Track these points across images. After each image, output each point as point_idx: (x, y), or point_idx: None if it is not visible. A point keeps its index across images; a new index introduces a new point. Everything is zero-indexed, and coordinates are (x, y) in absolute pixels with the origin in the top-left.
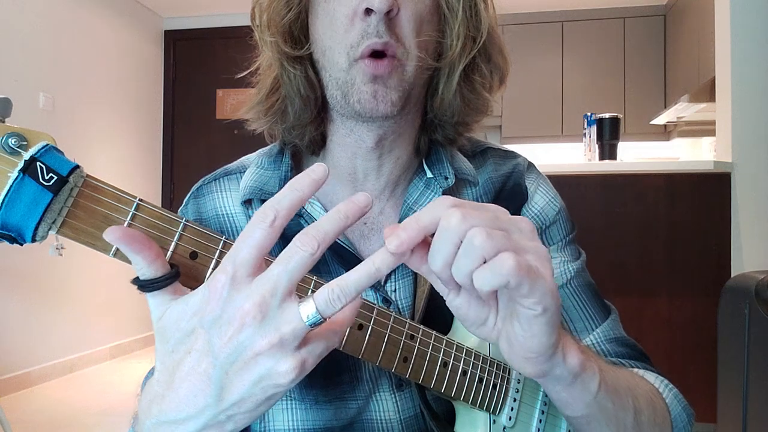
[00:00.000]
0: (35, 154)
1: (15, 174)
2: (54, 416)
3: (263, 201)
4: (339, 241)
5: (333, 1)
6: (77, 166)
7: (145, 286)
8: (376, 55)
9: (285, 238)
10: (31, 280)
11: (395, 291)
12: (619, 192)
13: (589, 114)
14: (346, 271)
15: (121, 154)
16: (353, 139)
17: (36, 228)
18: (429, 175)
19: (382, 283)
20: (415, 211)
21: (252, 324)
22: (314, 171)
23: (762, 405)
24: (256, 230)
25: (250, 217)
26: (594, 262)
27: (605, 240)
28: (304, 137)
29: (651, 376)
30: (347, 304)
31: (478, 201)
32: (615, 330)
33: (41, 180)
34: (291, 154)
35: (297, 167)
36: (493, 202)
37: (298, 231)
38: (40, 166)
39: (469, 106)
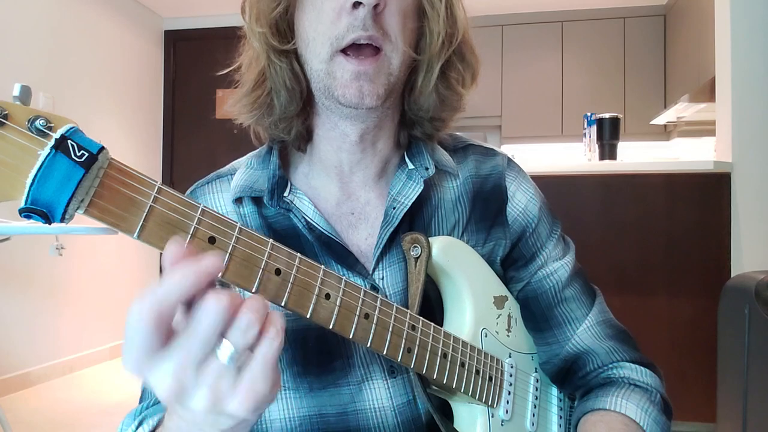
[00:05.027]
0: (66, 132)
1: (47, 151)
2: (54, 416)
3: (253, 198)
4: (326, 232)
5: None
6: (104, 147)
7: None
8: (361, 48)
9: (274, 231)
10: (31, 280)
11: (383, 279)
12: (619, 192)
13: (589, 114)
14: (336, 262)
15: (121, 153)
16: (338, 133)
17: (67, 204)
18: (410, 166)
19: (370, 272)
20: (399, 201)
21: (175, 400)
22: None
23: (762, 405)
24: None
25: (241, 214)
26: (594, 262)
27: (605, 240)
28: (291, 131)
29: (635, 398)
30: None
31: (459, 197)
32: (602, 312)
33: (73, 156)
34: (279, 153)
35: (285, 166)
36: (472, 202)
37: (289, 225)
38: (71, 143)
39: (444, 102)
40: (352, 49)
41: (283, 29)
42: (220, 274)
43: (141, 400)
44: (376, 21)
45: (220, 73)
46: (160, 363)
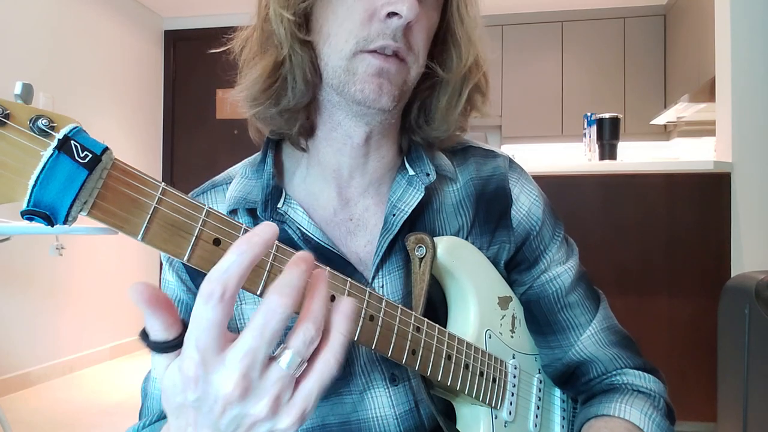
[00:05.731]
0: (69, 133)
1: (50, 152)
2: (54, 416)
3: (248, 210)
4: (321, 243)
5: None
6: (108, 147)
7: (155, 348)
8: (384, 52)
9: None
10: (31, 280)
11: (383, 287)
12: (619, 192)
13: (589, 114)
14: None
15: (121, 154)
16: (340, 133)
17: (70, 207)
18: (411, 172)
19: (369, 280)
20: (399, 207)
21: (237, 401)
22: (263, 231)
23: (762, 405)
24: (208, 311)
25: None
26: (594, 262)
27: (605, 240)
28: (296, 123)
29: (639, 404)
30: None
31: (461, 201)
32: (606, 319)
33: (77, 157)
34: (273, 161)
35: (280, 172)
36: (475, 205)
37: (284, 237)
38: (74, 144)
39: (455, 125)
40: (377, 53)
41: (303, 20)
42: None
43: (140, 417)
44: (405, 34)
45: (221, 50)
46: (227, 354)
